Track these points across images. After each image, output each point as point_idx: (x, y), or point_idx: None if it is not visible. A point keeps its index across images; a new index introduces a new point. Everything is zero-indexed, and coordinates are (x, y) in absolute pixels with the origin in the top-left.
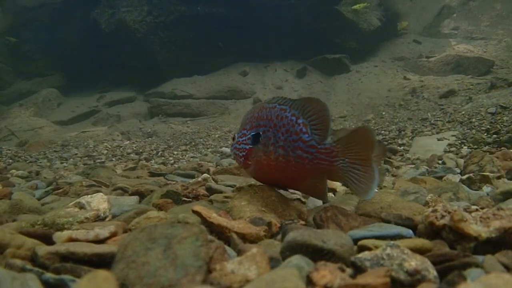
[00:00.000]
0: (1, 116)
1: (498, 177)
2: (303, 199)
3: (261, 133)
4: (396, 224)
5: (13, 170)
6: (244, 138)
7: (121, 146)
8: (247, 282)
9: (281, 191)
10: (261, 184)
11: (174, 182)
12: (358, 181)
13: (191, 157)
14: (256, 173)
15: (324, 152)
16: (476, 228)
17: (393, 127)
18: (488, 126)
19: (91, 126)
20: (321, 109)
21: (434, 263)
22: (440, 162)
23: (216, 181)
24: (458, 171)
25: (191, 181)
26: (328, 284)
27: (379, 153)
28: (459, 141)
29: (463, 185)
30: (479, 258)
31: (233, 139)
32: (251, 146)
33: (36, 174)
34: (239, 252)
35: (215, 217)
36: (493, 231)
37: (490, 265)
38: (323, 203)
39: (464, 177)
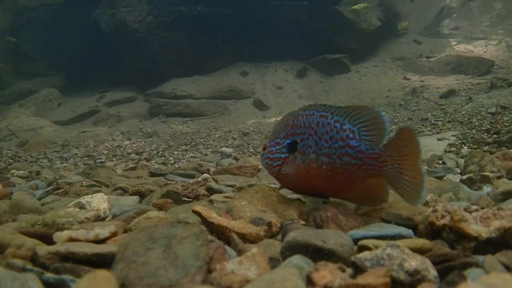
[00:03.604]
0: (1, 116)
1: (499, 177)
2: (303, 199)
3: (298, 141)
4: (396, 224)
5: (14, 170)
6: (278, 147)
7: (121, 146)
8: (247, 282)
9: (281, 191)
10: (262, 184)
11: (174, 182)
12: (407, 187)
13: (191, 157)
14: (292, 183)
15: (374, 157)
16: (476, 228)
17: (393, 127)
18: (489, 126)
19: (91, 126)
20: (374, 116)
21: (434, 263)
22: (440, 162)
23: (216, 181)
24: (458, 171)
25: (191, 181)
26: (328, 284)
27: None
28: (459, 141)
29: (463, 185)
30: (479, 258)
31: (264, 148)
32: (287, 154)
33: (36, 174)
34: (239, 252)
35: (215, 217)
36: (493, 231)
37: (490, 265)
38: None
39: (464, 177)
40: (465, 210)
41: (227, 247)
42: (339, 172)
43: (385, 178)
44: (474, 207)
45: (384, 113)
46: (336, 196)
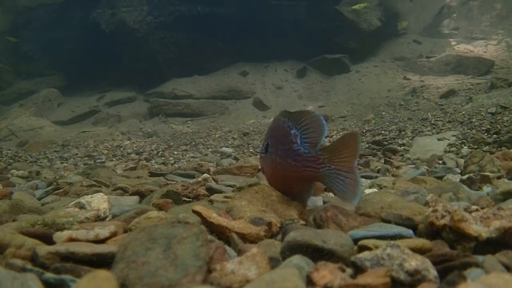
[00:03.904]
0: (1, 116)
1: (498, 177)
2: None
3: (269, 143)
4: (396, 224)
5: (14, 170)
6: (261, 148)
7: (121, 146)
8: (247, 282)
9: None
10: (262, 184)
11: (174, 182)
12: (343, 187)
13: (191, 157)
14: (267, 179)
15: (311, 160)
16: (476, 228)
17: (393, 127)
18: (488, 126)
19: (91, 126)
20: (313, 120)
21: (434, 263)
22: (440, 162)
23: (216, 181)
24: (458, 171)
25: (191, 181)
26: (328, 284)
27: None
28: (459, 141)
29: (463, 185)
30: (479, 258)
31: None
32: (263, 155)
33: (36, 174)
34: (239, 252)
35: (215, 217)
36: (493, 231)
37: (490, 265)
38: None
39: (465, 177)
40: (465, 210)
41: (227, 247)
42: (284, 173)
43: (321, 179)
44: (474, 207)
45: (322, 117)
46: (286, 195)
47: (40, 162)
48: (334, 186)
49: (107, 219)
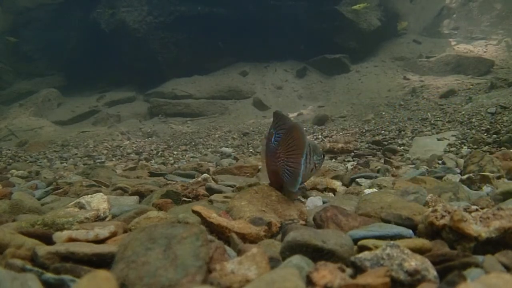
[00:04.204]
0: (1, 116)
1: (498, 177)
2: (302, 199)
3: (266, 142)
4: (396, 224)
5: (13, 170)
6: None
7: (121, 146)
8: (247, 282)
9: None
10: (262, 184)
11: (174, 182)
12: (288, 176)
13: (191, 157)
14: None
15: (274, 155)
16: (476, 228)
17: (393, 127)
18: (488, 126)
19: (91, 126)
20: (285, 121)
21: (434, 263)
22: (440, 162)
23: (216, 181)
24: (458, 171)
25: (191, 181)
26: (328, 284)
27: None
28: (459, 141)
29: (463, 185)
30: (479, 258)
31: None
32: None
33: (36, 174)
34: (239, 252)
35: (215, 217)
36: (493, 231)
37: (490, 265)
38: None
39: (464, 177)
40: (465, 210)
41: (227, 247)
42: (267, 168)
43: (279, 171)
44: (474, 207)
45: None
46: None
47: (40, 162)
48: (283, 176)
49: (107, 219)
